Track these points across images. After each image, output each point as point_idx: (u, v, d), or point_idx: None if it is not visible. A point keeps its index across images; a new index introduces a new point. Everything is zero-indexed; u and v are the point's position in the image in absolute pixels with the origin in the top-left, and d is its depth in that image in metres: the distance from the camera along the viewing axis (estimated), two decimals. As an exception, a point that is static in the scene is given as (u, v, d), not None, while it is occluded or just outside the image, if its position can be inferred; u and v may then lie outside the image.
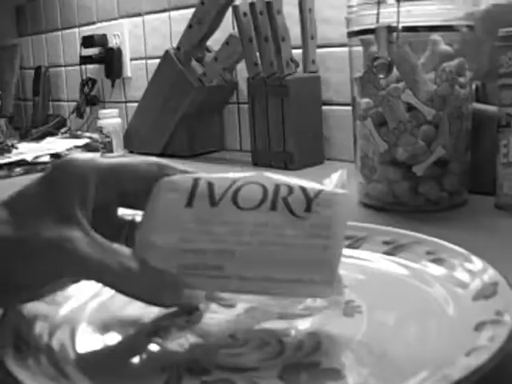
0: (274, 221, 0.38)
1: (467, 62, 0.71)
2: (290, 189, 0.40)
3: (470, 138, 0.74)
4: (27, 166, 1.18)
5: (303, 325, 0.41)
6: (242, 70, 1.16)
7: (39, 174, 0.39)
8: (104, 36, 1.56)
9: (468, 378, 0.31)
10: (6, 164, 1.18)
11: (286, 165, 1.04)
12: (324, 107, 1.09)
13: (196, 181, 0.41)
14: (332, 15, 1.05)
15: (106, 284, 0.37)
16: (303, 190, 0.40)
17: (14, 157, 1.24)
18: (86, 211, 0.38)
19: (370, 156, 0.74)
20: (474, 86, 0.79)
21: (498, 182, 0.70)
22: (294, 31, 1.03)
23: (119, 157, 0.42)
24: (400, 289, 0.47)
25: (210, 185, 0.40)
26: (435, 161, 0.70)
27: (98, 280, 0.37)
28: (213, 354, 0.38)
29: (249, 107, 1.09)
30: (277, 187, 0.40)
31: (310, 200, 0.39)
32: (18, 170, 1.17)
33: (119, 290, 0.37)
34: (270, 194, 0.39)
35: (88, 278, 0.37)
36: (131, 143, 1.34)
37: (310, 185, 0.41)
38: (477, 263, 0.46)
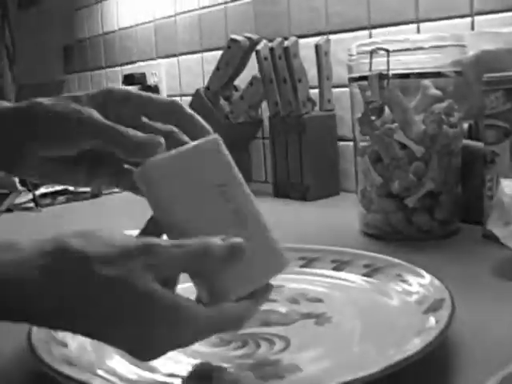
0: None
1: (457, 104, 0.79)
2: None
3: (460, 172, 0.81)
4: (70, 194, 1.30)
5: (278, 330, 0.49)
6: (266, 108, 1.25)
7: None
8: (143, 74, 1.68)
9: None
10: (50, 193, 1.30)
11: (304, 196, 1.12)
12: (341, 142, 1.17)
13: None
14: (346, 57, 1.13)
15: None
16: None
17: (57, 186, 1.35)
18: None
19: (368, 189, 0.81)
20: (467, 125, 0.86)
21: (484, 213, 0.77)
22: (312, 72, 1.12)
23: None
24: (367, 302, 0.55)
25: None
26: (427, 193, 0.78)
27: None
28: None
29: (270, 143, 1.18)
30: None
31: None
32: (60, 198, 1.28)
33: None
34: None
35: None
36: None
37: None
38: (427, 278, 0.54)
